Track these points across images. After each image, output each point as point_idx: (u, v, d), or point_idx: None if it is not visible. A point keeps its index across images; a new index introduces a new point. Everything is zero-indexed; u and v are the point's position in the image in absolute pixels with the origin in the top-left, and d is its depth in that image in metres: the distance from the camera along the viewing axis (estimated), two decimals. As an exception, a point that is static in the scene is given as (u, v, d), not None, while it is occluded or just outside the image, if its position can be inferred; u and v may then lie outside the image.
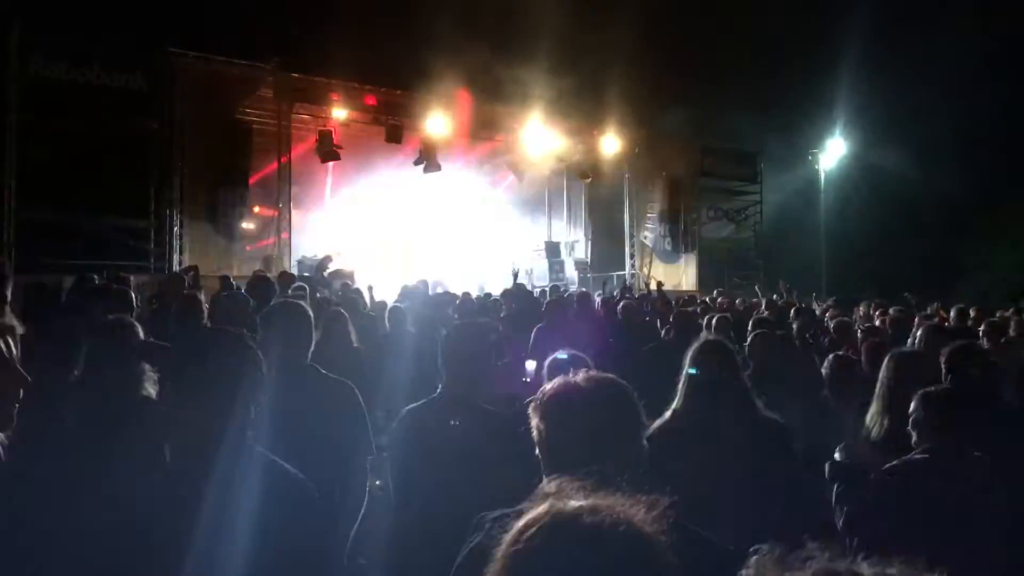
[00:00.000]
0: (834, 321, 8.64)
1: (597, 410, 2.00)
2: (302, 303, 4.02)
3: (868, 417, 3.96)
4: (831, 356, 5.16)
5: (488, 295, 12.71)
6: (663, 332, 8.56)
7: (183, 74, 15.61)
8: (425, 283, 11.80)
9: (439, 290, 12.79)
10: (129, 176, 15.03)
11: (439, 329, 5.81)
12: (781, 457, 3.47)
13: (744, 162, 25.49)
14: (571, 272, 21.96)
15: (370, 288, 11.32)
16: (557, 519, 1.22)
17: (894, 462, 3.25)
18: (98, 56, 14.61)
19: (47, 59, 14.11)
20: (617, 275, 22.36)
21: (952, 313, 10.56)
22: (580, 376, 2.10)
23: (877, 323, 9.48)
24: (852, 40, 24.39)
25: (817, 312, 11.19)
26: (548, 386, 2.10)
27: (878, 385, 4.01)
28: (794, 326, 8.49)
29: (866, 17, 23.78)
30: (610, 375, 2.16)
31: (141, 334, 3.65)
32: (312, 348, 3.82)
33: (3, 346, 2.00)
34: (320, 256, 18.48)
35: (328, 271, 15.51)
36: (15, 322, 2.14)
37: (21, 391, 2.04)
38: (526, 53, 18.35)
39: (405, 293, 11.27)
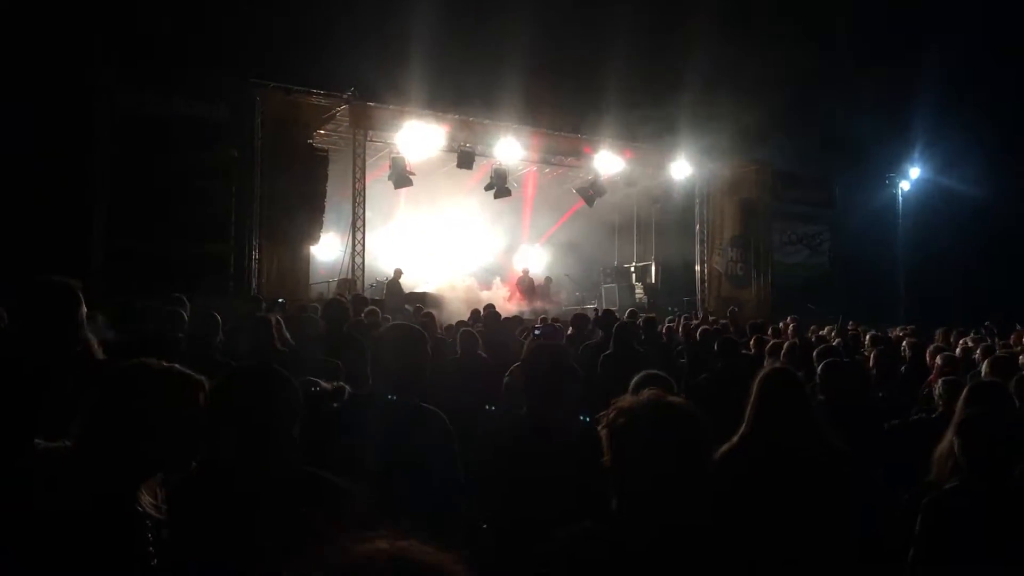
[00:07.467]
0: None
1: (662, 439, 2.03)
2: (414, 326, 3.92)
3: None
4: None
5: (553, 320, 12.67)
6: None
7: (263, 103, 16.12)
8: (493, 307, 11.87)
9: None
10: (210, 202, 15.49)
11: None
12: (843, 493, 3.43)
13: (819, 186, 25.06)
14: (640, 297, 21.89)
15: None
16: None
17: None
18: (183, 88, 15.19)
19: (135, 92, 14.72)
20: (686, 300, 22.17)
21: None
22: (649, 398, 2.11)
23: (957, 352, 9.13)
24: (932, 61, 23.86)
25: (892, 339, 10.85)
26: (615, 408, 2.13)
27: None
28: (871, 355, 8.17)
29: (946, 38, 23.25)
30: (679, 401, 2.18)
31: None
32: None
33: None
34: (388, 278, 18.82)
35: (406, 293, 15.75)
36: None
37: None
38: (597, 81, 18.49)
39: (475, 317, 11.42)
